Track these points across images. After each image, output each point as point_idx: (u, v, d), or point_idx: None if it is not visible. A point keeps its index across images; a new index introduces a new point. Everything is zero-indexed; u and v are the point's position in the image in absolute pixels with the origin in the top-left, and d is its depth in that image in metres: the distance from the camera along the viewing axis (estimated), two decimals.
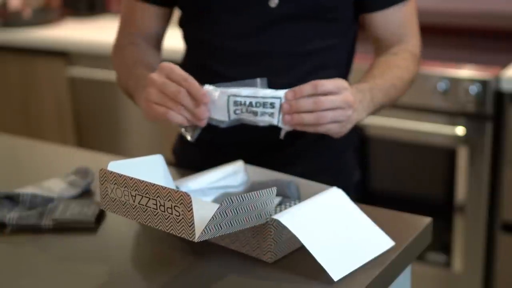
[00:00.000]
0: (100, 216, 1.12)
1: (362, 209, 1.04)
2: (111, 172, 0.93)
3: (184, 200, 0.84)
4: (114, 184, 0.93)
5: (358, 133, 1.41)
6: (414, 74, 1.29)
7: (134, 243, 1.06)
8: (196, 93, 1.07)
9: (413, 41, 1.30)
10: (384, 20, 1.27)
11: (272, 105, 1.06)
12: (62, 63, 2.88)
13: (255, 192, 0.88)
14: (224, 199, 0.84)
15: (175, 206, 0.85)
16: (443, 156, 2.18)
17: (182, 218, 0.85)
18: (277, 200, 1.08)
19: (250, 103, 1.07)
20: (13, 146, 1.57)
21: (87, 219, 1.09)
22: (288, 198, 1.09)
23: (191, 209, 0.83)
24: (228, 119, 1.10)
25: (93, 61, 2.77)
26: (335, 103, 1.05)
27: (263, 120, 1.08)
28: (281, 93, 1.07)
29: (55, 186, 1.23)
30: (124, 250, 1.04)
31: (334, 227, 0.97)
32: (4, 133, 1.67)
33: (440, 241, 2.20)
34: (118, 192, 0.93)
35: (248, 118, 1.09)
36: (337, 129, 1.08)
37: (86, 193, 1.23)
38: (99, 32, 2.94)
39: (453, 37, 2.62)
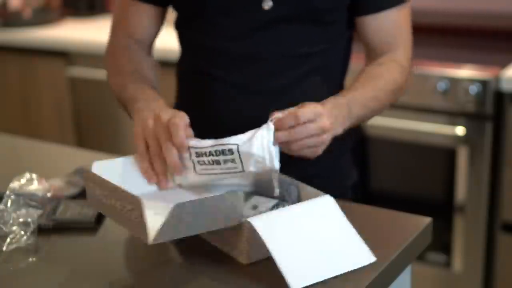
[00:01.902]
0: (100, 216, 1.12)
1: (362, 209, 1.04)
2: (92, 172, 0.99)
3: (136, 205, 0.88)
4: (93, 183, 0.99)
5: (354, 135, 1.40)
6: (400, 85, 1.25)
7: (133, 243, 1.06)
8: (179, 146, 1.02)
9: (401, 51, 1.27)
10: (375, 24, 1.26)
11: (230, 151, 1.00)
12: (62, 63, 2.88)
13: (219, 196, 0.92)
14: (176, 205, 0.86)
15: (133, 208, 0.89)
16: (443, 156, 2.18)
17: (139, 221, 0.88)
18: (273, 202, 1.07)
19: (210, 152, 1.02)
20: (13, 146, 1.57)
21: (87, 219, 1.09)
22: (286, 202, 1.08)
23: (144, 213, 0.86)
24: (194, 173, 1.04)
25: (93, 61, 2.77)
26: (310, 132, 1.02)
27: (228, 167, 1.02)
28: (238, 139, 1.00)
29: (55, 186, 1.22)
30: (124, 250, 1.04)
31: (309, 236, 0.94)
32: (4, 133, 1.67)
33: (440, 241, 2.20)
34: (97, 191, 0.98)
35: (214, 171, 1.03)
36: (310, 154, 1.06)
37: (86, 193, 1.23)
38: (99, 32, 2.94)
39: (453, 37, 2.62)
